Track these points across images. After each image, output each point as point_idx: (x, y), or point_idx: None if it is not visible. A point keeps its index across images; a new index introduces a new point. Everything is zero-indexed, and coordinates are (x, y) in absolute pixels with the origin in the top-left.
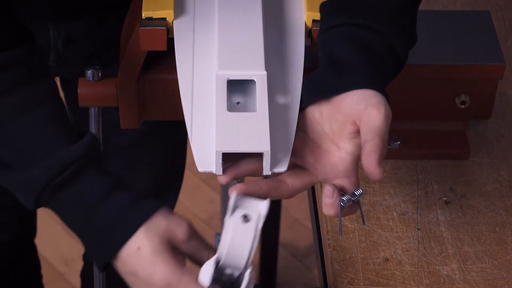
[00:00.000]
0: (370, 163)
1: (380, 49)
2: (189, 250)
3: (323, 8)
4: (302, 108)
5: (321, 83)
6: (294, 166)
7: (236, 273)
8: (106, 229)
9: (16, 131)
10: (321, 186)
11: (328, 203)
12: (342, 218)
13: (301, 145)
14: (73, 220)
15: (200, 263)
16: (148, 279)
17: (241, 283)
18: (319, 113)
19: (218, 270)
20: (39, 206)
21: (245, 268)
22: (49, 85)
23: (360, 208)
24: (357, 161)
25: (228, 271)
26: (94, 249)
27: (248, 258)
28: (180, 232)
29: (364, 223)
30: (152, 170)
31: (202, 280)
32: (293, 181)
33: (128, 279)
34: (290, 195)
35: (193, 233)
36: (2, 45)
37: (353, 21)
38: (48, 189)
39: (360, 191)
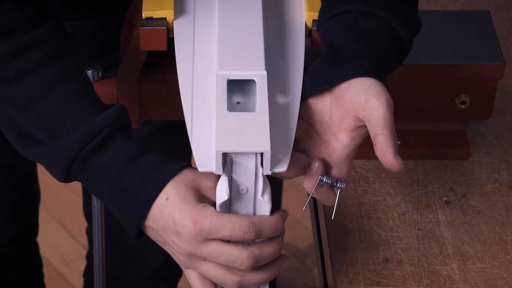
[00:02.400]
0: (388, 158)
1: (381, 37)
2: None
3: None
4: (304, 99)
5: (320, 73)
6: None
7: (250, 187)
8: (137, 188)
9: (47, 106)
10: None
11: (309, 175)
12: (342, 218)
13: (302, 133)
14: (104, 188)
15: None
16: (177, 226)
17: (257, 189)
18: (322, 104)
19: (233, 187)
20: (70, 179)
21: (256, 177)
22: (76, 61)
23: (337, 200)
24: (351, 154)
25: (242, 186)
26: (127, 212)
27: (256, 166)
28: (207, 179)
29: (332, 217)
30: None
31: (220, 195)
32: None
33: (160, 238)
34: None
35: None
36: (28, 25)
37: (354, 9)
38: (78, 158)
39: (343, 183)
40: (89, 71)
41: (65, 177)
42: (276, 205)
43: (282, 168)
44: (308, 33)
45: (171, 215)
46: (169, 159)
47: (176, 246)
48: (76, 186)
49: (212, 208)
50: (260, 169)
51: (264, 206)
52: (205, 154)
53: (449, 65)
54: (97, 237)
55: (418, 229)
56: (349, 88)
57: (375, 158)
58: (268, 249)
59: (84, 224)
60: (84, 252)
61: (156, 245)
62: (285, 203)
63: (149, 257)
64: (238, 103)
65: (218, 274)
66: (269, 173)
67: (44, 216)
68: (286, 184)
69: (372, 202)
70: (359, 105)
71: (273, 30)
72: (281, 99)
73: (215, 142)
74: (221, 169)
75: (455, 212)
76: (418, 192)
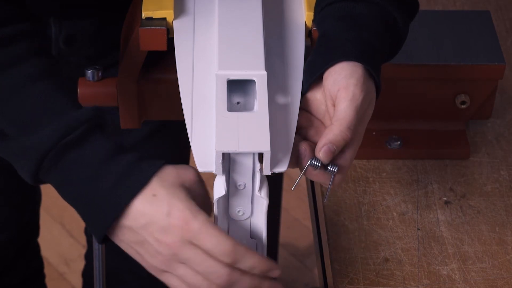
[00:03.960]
0: (323, 152)
1: (373, 23)
2: (203, 191)
3: None
4: (303, 94)
5: (312, 64)
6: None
7: (247, 183)
8: (116, 185)
9: (22, 101)
10: (321, 186)
11: (300, 160)
12: (342, 218)
13: (306, 122)
14: (77, 185)
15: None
16: (166, 220)
17: (254, 185)
18: (320, 93)
19: (230, 183)
20: (39, 177)
21: (253, 173)
22: (55, 62)
23: (330, 184)
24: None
25: (239, 182)
26: (99, 212)
27: (254, 162)
28: (190, 173)
29: (325, 199)
30: None
31: (217, 191)
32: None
33: (137, 238)
34: None
35: (200, 178)
36: (9, 21)
37: None
38: (54, 151)
39: (335, 167)
40: (89, 71)
41: (34, 174)
42: (276, 205)
43: (282, 168)
44: (308, 33)
45: (160, 210)
46: (147, 158)
47: (158, 244)
48: None
49: (204, 214)
50: (257, 165)
51: (262, 201)
52: (205, 154)
53: (449, 65)
54: None
55: (418, 229)
56: (329, 76)
57: (375, 158)
58: (248, 279)
59: (83, 223)
60: (84, 252)
61: None
62: (285, 203)
63: None
64: (238, 103)
65: (195, 279)
66: (269, 173)
67: (44, 216)
68: (286, 184)
69: (372, 202)
70: (333, 93)
71: (273, 30)
72: (281, 99)
73: (215, 142)
74: (221, 169)
75: (455, 212)
76: (418, 192)
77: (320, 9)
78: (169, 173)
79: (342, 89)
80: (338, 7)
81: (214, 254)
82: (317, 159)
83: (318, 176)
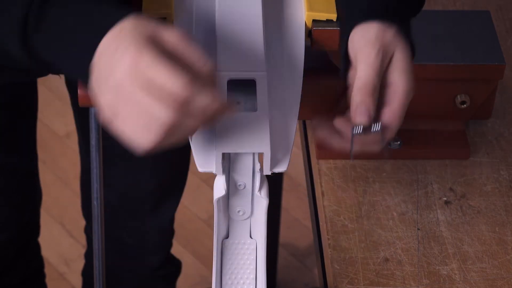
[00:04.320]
0: (358, 114)
1: None
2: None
3: None
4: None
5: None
6: None
7: (247, 183)
8: (96, 21)
9: None
10: (321, 186)
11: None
12: (342, 218)
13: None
14: (60, 33)
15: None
16: (113, 56)
17: (254, 185)
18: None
19: (230, 183)
20: (27, 33)
21: (253, 173)
22: None
23: (382, 143)
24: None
25: (239, 182)
26: (81, 48)
27: (254, 162)
28: (168, 33)
29: (351, 159)
30: (156, 170)
31: (218, 191)
32: None
33: (95, 75)
34: None
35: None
36: None
37: None
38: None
39: (378, 126)
40: None
41: (22, 27)
42: (276, 205)
43: (282, 168)
44: (308, 33)
45: (112, 46)
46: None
47: (106, 80)
48: (76, 186)
49: (156, 50)
50: (257, 165)
51: (262, 201)
52: (205, 154)
53: (449, 65)
54: (97, 237)
55: (418, 229)
56: (350, 42)
57: (375, 158)
58: (193, 121)
59: (83, 224)
60: (83, 252)
61: (155, 244)
62: (285, 203)
63: (149, 256)
64: (238, 103)
65: (139, 123)
66: (269, 173)
67: (44, 216)
68: (286, 184)
69: (372, 202)
70: (353, 58)
71: (273, 30)
72: (281, 99)
73: (215, 143)
74: (221, 169)
75: (455, 212)
76: (418, 192)
77: None
78: (145, 18)
79: (359, 55)
80: None
81: (167, 88)
82: (357, 126)
83: (367, 143)
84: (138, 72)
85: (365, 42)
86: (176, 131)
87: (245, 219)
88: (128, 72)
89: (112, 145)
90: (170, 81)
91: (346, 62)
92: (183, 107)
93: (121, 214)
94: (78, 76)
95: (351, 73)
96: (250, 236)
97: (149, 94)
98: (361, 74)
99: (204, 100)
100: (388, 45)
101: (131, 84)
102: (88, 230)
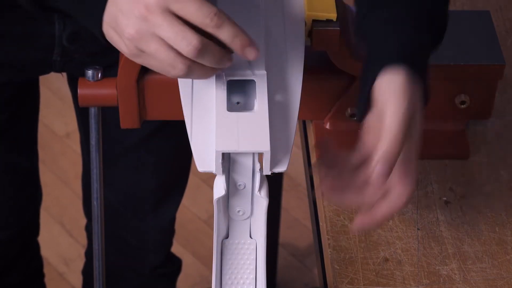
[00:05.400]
0: (381, 170)
1: (411, 21)
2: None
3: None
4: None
5: (362, 82)
6: None
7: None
8: None
9: None
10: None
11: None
12: (342, 218)
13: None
14: None
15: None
16: None
17: (254, 185)
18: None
19: (230, 183)
20: None
21: (253, 173)
22: None
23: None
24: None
25: (239, 182)
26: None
27: (253, 162)
28: None
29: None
30: (157, 170)
31: (218, 191)
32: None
33: (115, 8)
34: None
35: None
36: None
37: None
38: None
39: None
40: (89, 71)
41: None
42: (276, 205)
43: (282, 168)
44: (308, 33)
45: None
46: None
47: (134, 6)
48: (76, 186)
49: None
50: (257, 165)
51: (261, 201)
52: (204, 154)
53: (449, 65)
54: (97, 237)
55: (418, 229)
56: (375, 93)
57: None
58: (219, 51)
59: (83, 223)
60: (83, 252)
61: (156, 243)
62: (285, 203)
63: (149, 255)
64: (238, 103)
65: (168, 55)
66: (269, 173)
67: (44, 216)
68: (286, 184)
69: None
70: (380, 113)
71: (273, 30)
72: (281, 99)
73: (215, 142)
74: (221, 169)
75: (454, 212)
76: (418, 192)
77: (362, 16)
78: None
79: (385, 105)
80: (379, 13)
81: (196, 16)
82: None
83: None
84: (170, 1)
85: (393, 93)
86: (199, 67)
87: (245, 219)
88: (158, 1)
89: (112, 145)
90: (200, 11)
91: (367, 104)
92: (211, 38)
93: (122, 214)
94: (89, 16)
95: (370, 117)
96: (250, 236)
97: (178, 24)
98: (388, 140)
99: (230, 31)
100: (414, 104)
101: (162, 13)
102: (89, 228)
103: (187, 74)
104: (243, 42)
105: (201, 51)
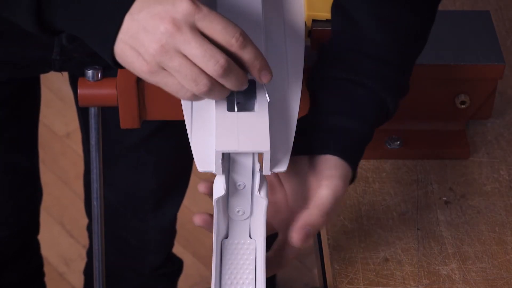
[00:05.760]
0: (300, 235)
1: (368, 113)
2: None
3: (322, 50)
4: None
5: (301, 140)
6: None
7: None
8: None
9: None
10: None
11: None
12: (342, 218)
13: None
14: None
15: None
16: (171, 2)
17: (254, 185)
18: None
19: (230, 183)
20: (42, 15)
21: (253, 173)
22: None
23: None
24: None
25: (239, 182)
26: (103, 21)
27: (253, 162)
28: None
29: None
30: (157, 170)
31: (217, 191)
32: None
33: (136, 26)
34: None
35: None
36: None
37: (345, 76)
38: None
39: None
40: (89, 71)
41: (36, 9)
42: None
43: (281, 168)
44: (308, 33)
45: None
46: None
47: (158, 23)
48: (76, 186)
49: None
50: (257, 165)
51: (261, 201)
52: (204, 154)
53: (449, 65)
54: (97, 237)
55: (418, 229)
56: (318, 162)
57: (375, 158)
58: (241, 72)
59: (83, 223)
60: (83, 252)
61: (157, 244)
62: None
63: (150, 255)
64: (238, 103)
65: (193, 70)
66: (269, 173)
67: (44, 216)
68: None
69: (372, 202)
70: (317, 180)
71: (273, 30)
72: (280, 99)
73: (214, 142)
74: (221, 169)
75: (454, 212)
76: (418, 192)
77: (320, 77)
78: None
79: (325, 178)
80: (339, 84)
81: (222, 35)
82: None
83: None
84: (197, 18)
85: (339, 175)
86: (219, 87)
87: (244, 219)
88: (185, 18)
89: (112, 145)
90: (226, 30)
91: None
92: (234, 58)
93: (122, 214)
94: (99, 37)
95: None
96: (250, 236)
97: (206, 42)
98: (325, 196)
99: (252, 52)
100: (347, 184)
101: (189, 30)
102: (90, 228)
103: (207, 92)
104: (262, 65)
105: (226, 71)
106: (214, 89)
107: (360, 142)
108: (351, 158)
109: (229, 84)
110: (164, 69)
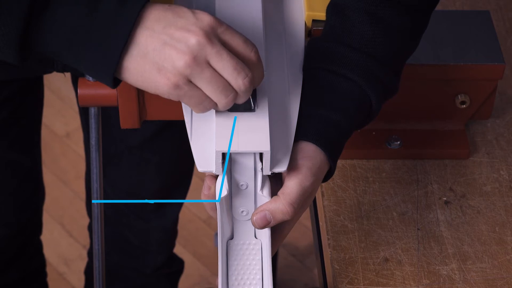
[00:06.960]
0: (257, 217)
1: (349, 105)
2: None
3: (310, 42)
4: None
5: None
6: None
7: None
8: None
9: None
10: (321, 186)
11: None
12: (342, 218)
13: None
14: (72, 25)
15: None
16: (193, 15)
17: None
18: None
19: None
20: (31, 21)
21: (255, 173)
22: None
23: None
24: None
25: (241, 182)
26: (114, 24)
27: (255, 162)
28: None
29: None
30: (160, 170)
31: (219, 192)
32: None
33: (162, 38)
34: None
35: None
36: None
37: (328, 67)
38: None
39: None
40: None
41: (27, 15)
42: None
43: (282, 168)
44: (308, 33)
45: (185, 9)
46: None
47: (185, 37)
48: (76, 186)
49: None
50: (258, 164)
51: (264, 201)
52: (204, 154)
53: (449, 65)
54: (97, 237)
55: (418, 229)
56: (296, 147)
57: (375, 158)
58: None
59: (83, 223)
60: (83, 252)
61: (158, 244)
62: None
63: (152, 255)
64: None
65: (223, 82)
66: (269, 173)
67: (44, 216)
68: None
69: (372, 202)
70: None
71: (273, 30)
72: (280, 99)
73: (214, 142)
74: (221, 169)
75: (454, 212)
76: (418, 192)
77: (304, 69)
78: None
79: (294, 168)
80: (322, 76)
81: (243, 49)
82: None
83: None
84: (220, 32)
85: (309, 165)
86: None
87: (249, 219)
88: (213, 31)
89: (115, 145)
90: (246, 44)
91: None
92: (252, 72)
93: (125, 213)
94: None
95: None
96: (255, 236)
97: (232, 56)
98: (291, 186)
99: (262, 66)
100: (320, 178)
101: (219, 43)
102: (91, 228)
103: (230, 104)
104: (262, 79)
105: (252, 84)
106: (235, 100)
107: (339, 134)
108: (329, 148)
109: (248, 95)
110: (190, 82)
